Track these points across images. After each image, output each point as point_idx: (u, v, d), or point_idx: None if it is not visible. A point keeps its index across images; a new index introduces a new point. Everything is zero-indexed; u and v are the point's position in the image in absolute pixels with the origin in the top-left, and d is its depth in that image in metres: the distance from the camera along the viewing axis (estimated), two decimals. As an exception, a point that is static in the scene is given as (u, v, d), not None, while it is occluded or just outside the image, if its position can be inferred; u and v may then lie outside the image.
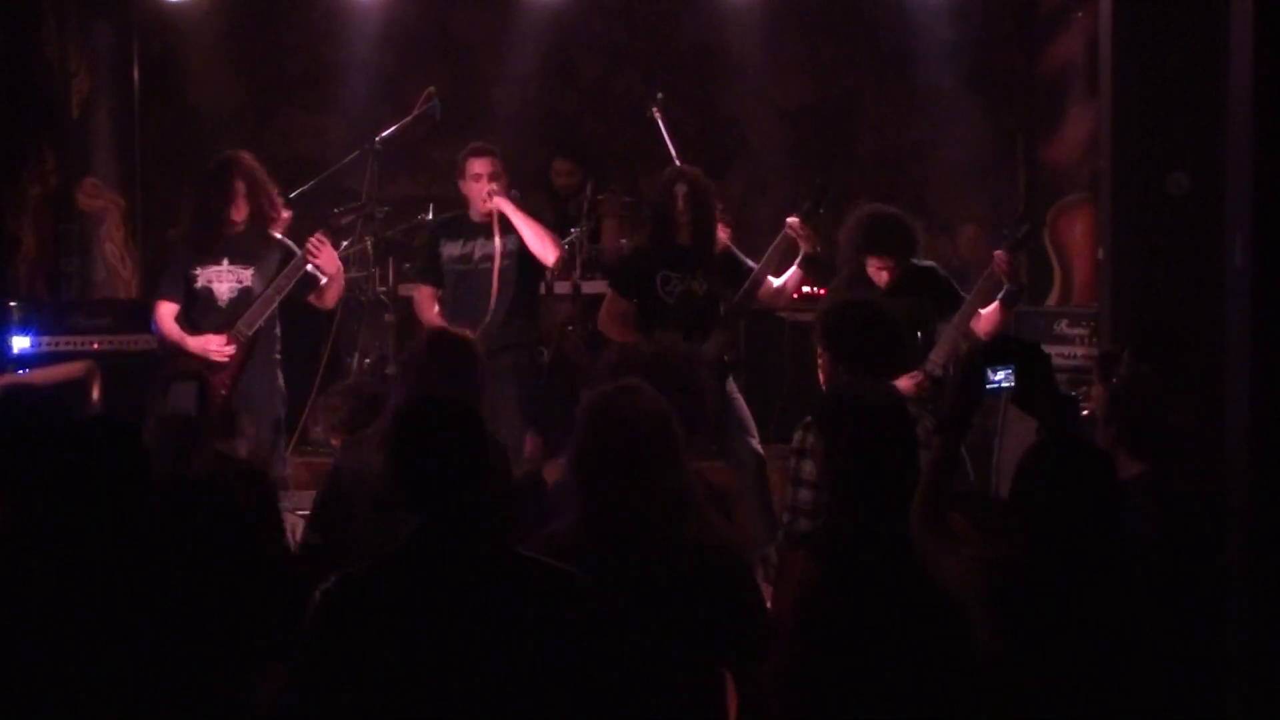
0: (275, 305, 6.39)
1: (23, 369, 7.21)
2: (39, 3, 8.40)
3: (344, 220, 6.58)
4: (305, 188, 7.73)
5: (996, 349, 3.57)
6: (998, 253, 6.15)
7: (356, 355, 7.91)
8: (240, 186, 6.38)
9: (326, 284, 6.47)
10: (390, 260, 7.89)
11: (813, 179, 6.60)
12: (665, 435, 3.60)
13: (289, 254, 6.46)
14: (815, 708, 3.52)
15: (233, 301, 6.38)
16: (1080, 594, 3.18)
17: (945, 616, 3.34)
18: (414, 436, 3.09)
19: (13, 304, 7.52)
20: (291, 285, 6.37)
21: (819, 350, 5.11)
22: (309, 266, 6.37)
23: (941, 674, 3.42)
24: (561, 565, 3.10)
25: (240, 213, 6.40)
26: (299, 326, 6.95)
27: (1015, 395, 3.52)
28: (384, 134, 7.36)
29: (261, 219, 6.45)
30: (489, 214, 6.69)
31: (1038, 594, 3.19)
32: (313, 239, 6.35)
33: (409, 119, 7.38)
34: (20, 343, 7.52)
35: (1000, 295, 6.14)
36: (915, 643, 3.46)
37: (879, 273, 6.15)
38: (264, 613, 3.30)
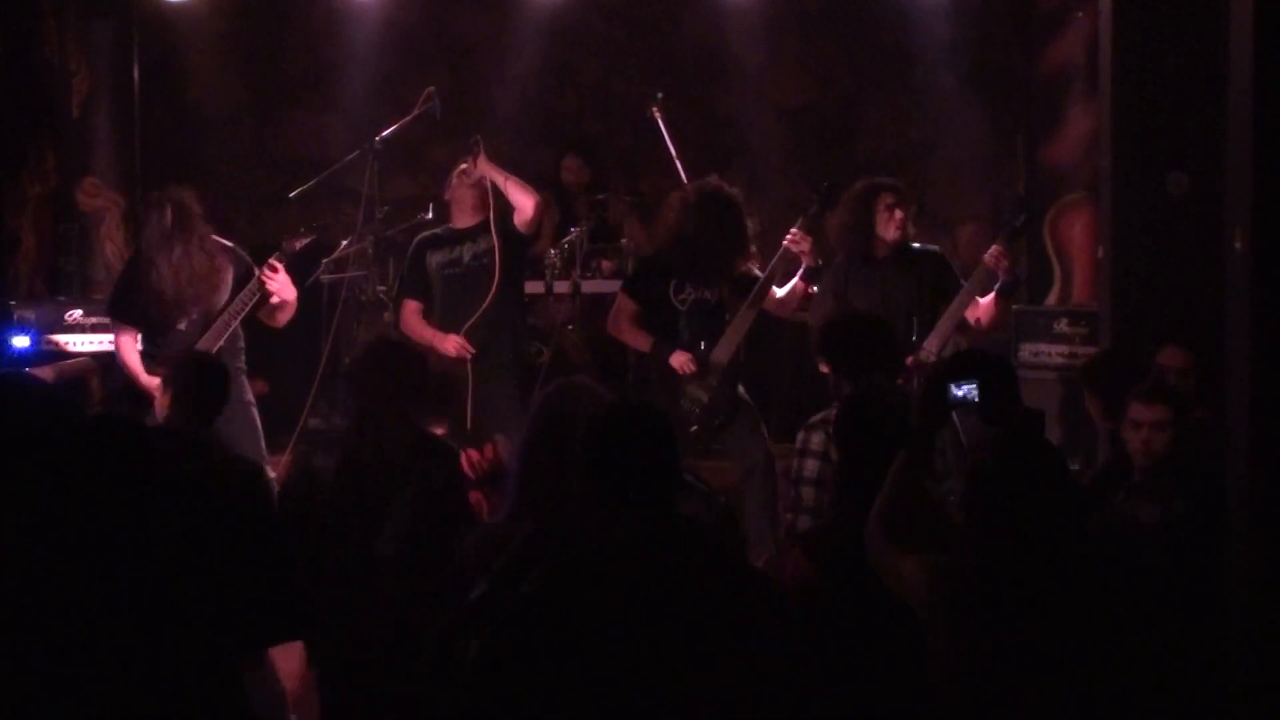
0: (234, 326, 6.29)
1: (23, 368, 7.21)
2: (39, 3, 8.40)
3: (298, 245, 6.47)
4: (305, 187, 7.74)
5: (960, 363, 3.57)
6: (994, 248, 6.22)
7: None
8: (183, 241, 6.20)
9: (279, 306, 6.35)
10: (390, 260, 7.90)
11: (818, 183, 6.60)
12: None
13: (242, 266, 6.37)
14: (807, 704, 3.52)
15: (191, 324, 6.28)
16: (1037, 592, 3.15)
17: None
18: (620, 440, 3.12)
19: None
20: (248, 309, 6.27)
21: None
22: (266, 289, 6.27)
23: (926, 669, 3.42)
24: (763, 571, 3.12)
25: (185, 262, 6.25)
26: (299, 325, 6.94)
27: (981, 410, 3.52)
28: (384, 134, 7.36)
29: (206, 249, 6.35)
30: (476, 219, 6.77)
31: (992, 595, 3.17)
32: (266, 266, 6.23)
33: (409, 119, 7.38)
34: (20, 342, 7.52)
35: (996, 287, 6.19)
36: (908, 642, 3.45)
37: (890, 217, 6.22)
38: (263, 606, 3.30)
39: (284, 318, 6.41)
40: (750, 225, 6.48)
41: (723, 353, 6.30)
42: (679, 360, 6.27)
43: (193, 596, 3.21)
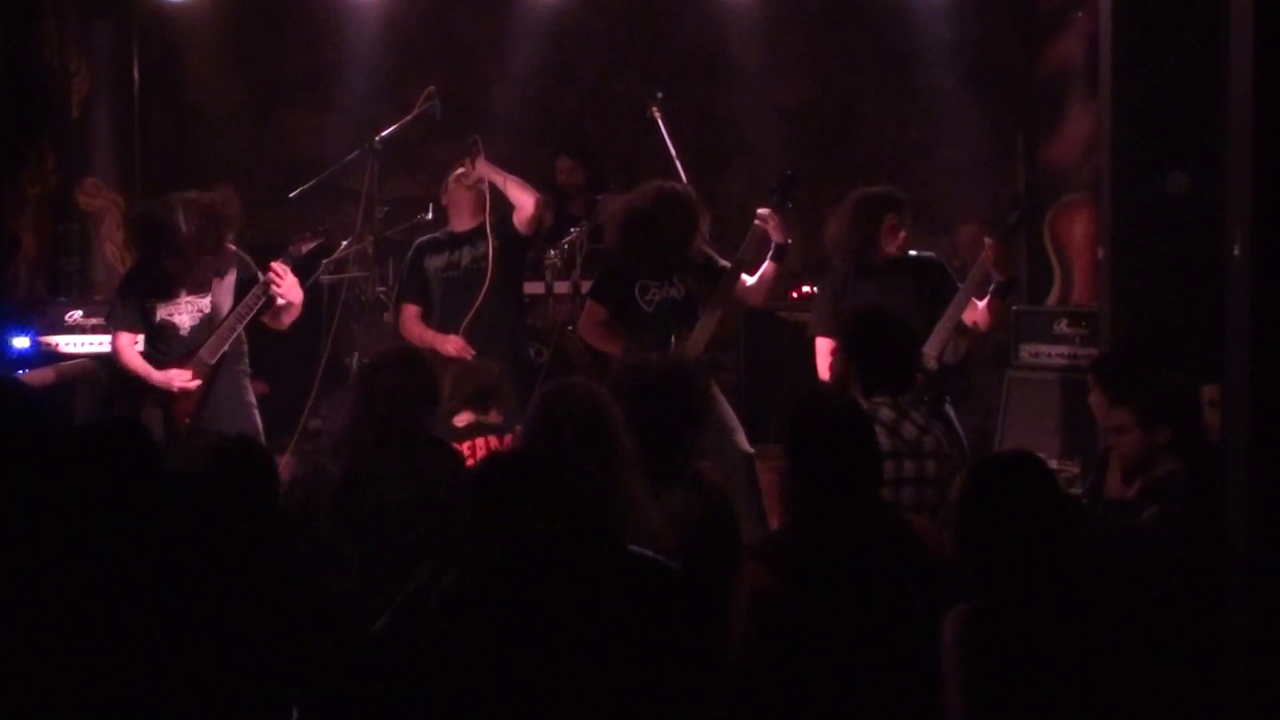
0: (239, 332, 6.30)
1: (23, 369, 7.22)
2: (39, 3, 8.40)
3: (305, 249, 6.51)
4: (305, 187, 7.73)
5: None
6: (988, 241, 6.18)
7: (356, 355, 7.91)
8: (189, 239, 6.21)
9: (284, 307, 6.35)
10: (390, 260, 7.89)
11: (782, 171, 6.55)
12: (593, 432, 3.64)
13: (247, 270, 6.37)
14: (774, 713, 3.50)
15: (194, 329, 6.28)
16: (1052, 622, 3.12)
17: (898, 619, 3.33)
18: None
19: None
20: (254, 314, 6.28)
21: (830, 350, 5.15)
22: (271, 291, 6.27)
23: (896, 676, 3.41)
24: (665, 560, 3.14)
25: (193, 259, 6.27)
26: (299, 326, 6.94)
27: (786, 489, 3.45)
28: (384, 134, 7.35)
29: (214, 252, 6.34)
30: (475, 222, 6.78)
31: (1013, 632, 3.14)
32: (274, 267, 6.23)
33: (409, 119, 7.37)
34: (20, 343, 7.52)
35: (992, 288, 6.16)
36: (869, 647, 3.44)
37: (894, 237, 6.19)
38: (270, 604, 3.31)
39: (288, 319, 6.43)
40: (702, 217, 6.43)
41: (693, 347, 6.29)
42: None
43: (200, 596, 3.20)
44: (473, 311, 6.67)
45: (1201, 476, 4.28)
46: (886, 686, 3.41)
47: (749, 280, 6.39)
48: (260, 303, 6.25)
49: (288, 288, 6.27)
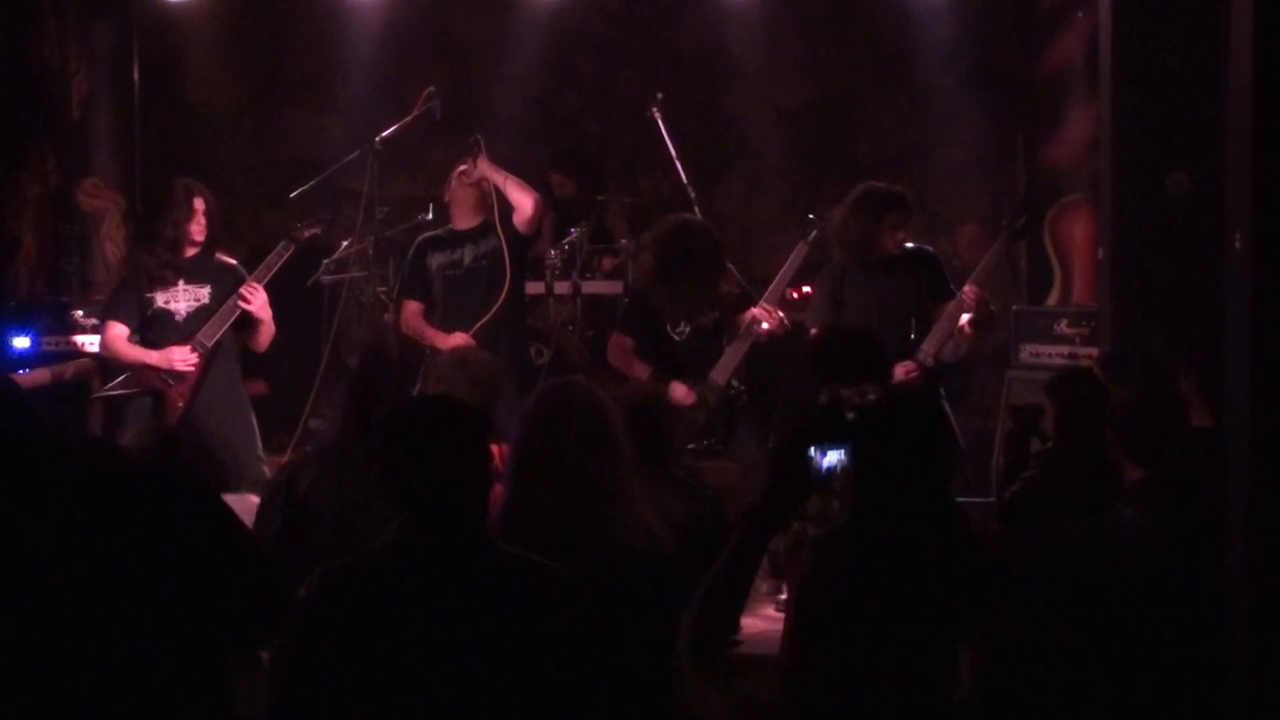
0: (233, 320, 6.36)
1: (23, 369, 7.22)
2: (39, 3, 8.40)
3: (306, 234, 6.62)
4: (305, 188, 7.73)
5: (829, 423, 2.96)
6: (967, 288, 6.19)
7: (356, 355, 7.92)
8: (195, 215, 6.35)
9: (257, 326, 6.44)
10: (390, 260, 7.90)
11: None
12: (592, 430, 3.64)
13: (235, 272, 6.49)
14: (829, 703, 3.49)
15: (190, 317, 6.36)
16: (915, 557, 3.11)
17: (939, 623, 3.32)
18: (402, 436, 3.13)
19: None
20: (235, 316, 6.37)
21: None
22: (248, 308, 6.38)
23: (929, 677, 3.40)
24: (540, 559, 3.11)
25: (194, 242, 6.39)
26: (299, 326, 6.96)
27: (856, 483, 2.89)
28: (384, 134, 7.36)
29: (213, 244, 6.46)
30: (477, 219, 6.79)
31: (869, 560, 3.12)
32: (242, 290, 6.34)
33: (409, 119, 7.37)
34: (20, 343, 7.53)
35: (969, 319, 6.19)
36: (907, 645, 3.43)
37: (894, 235, 6.20)
38: (242, 599, 3.28)
39: (263, 339, 6.50)
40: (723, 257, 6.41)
41: (720, 374, 6.33)
42: (678, 393, 6.31)
43: (166, 593, 3.15)
44: (491, 313, 6.67)
45: (1166, 482, 4.24)
46: (918, 686, 3.40)
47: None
48: (238, 313, 6.33)
49: (258, 306, 6.37)
